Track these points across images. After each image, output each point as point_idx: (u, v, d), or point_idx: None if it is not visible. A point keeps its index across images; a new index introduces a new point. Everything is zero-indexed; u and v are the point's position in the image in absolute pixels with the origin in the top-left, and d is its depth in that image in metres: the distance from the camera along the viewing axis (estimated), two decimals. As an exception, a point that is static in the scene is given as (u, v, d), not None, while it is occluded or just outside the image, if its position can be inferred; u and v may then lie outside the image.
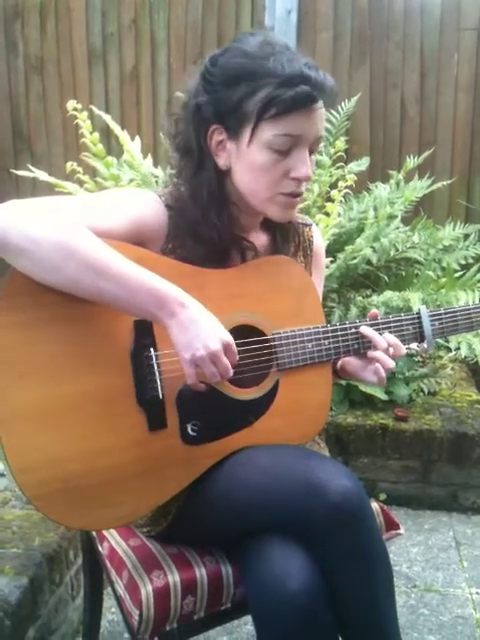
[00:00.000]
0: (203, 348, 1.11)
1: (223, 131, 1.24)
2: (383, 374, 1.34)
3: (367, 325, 1.37)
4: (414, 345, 1.43)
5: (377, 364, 1.34)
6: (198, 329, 1.12)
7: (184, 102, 1.29)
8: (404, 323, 1.39)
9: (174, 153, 1.32)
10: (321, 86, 1.20)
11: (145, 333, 1.19)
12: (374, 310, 1.42)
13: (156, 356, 1.20)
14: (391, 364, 1.33)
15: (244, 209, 1.32)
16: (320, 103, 1.21)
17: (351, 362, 1.41)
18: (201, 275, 1.26)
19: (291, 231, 1.43)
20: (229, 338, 1.15)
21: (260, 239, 1.40)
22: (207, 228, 1.27)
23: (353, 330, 1.36)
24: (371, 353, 1.35)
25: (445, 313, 1.43)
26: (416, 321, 1.41)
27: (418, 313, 1.41)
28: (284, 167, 1.23)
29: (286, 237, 1.42)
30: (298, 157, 1.23)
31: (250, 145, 1.22)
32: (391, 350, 1.35)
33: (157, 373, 1.20)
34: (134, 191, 1.34)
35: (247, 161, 1.23)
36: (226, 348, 1.14)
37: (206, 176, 1.27)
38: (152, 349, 1.20)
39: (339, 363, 1.46)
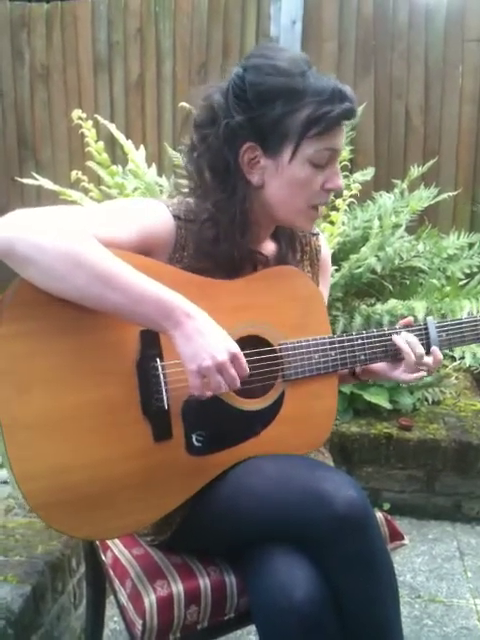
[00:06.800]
0: (210, 358, 1.11)
1: (258, 148, 1.24)
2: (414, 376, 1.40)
3: (377, 334, 1.38)
4: None
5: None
6: (205, 339, 1.11)
7: (201, 118, 1.28)
8: (415, 333, 1.39)
9: (195, 170, 1.31)
10: (354, 100, 1.24)
11: (151, 343, 1.19)
12: (409, 318, 1.44)
13: (162, 366, 1.20)
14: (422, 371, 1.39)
15: (264, 224, 1.34)
16: None
17: (378, 363, 1.42)
18: (208, 285, 1.26)
19: (297, 240, 1.44)
20: (236, 348, 1.14)
21: (268, 248, 1.40)
22: (227, 246, 1.28)
23: (359, 341, 1.36)
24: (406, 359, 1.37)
25: (452, 324, 1.43)
26: (423, 332, 1.40)
27: (425, 323, 1.41)
28: (321, 180, 1.27)
29: (293, 246, 1.42)
30: (332, 169, 1.27)
31: (292, 161, 1.24)
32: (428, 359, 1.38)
33: (163, 384, 1.20)
34: (142, 200, 1.35)
35: (286, 177, 1.25)
36: (233, 358, 1.14)
37: (238, 195, 1.27)
38: (158, 359, 1.20)
39: (358, 367, 1.45)
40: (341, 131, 1.26)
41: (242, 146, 1.24)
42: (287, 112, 1.21)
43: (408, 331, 1.39)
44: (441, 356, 1.39)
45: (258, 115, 1.22)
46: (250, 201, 1.28)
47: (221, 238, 1.28)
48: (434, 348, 1.39)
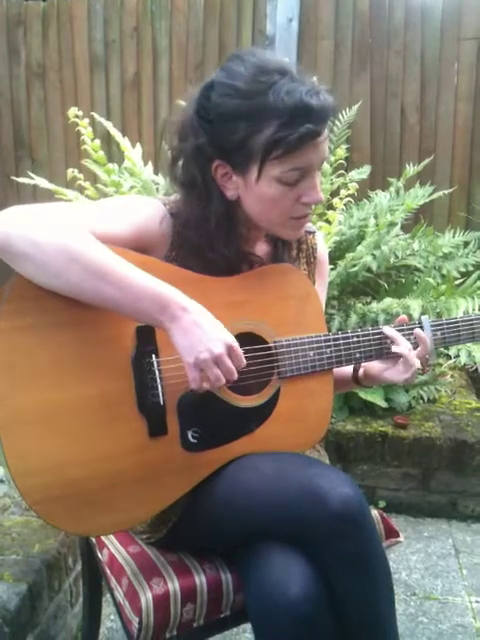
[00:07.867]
0: (207, 351, 1.11)
1: (227, 165, 1.22)
2: (408, 375, 1.36)
3: (373, 332, 1.37)
4: None
5: (401, 362, 1.37)
6: (201, 332, 1.11)
7: (180, 131, 1.26)
8: (406, 332, 1.39)
9: (175, 184, 1.30)
10: (324, 115, 1.17)
11: (147, 339, 1.19)
12: (403, 316, 1.43)
13: (158, 362, 1.20)
14: (417, 363, 1.36)
15: (253, 227, 1.32)
16: (325, 132, 1.20)
17: (374, 366, 1.42)
18: (204, 282, 1.26)
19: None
20: (233, 341, 1.14)
21: (263, 247, 1.40)
22: (213, 254, 1.27)
23: (355, 339, 1.36)
24: (397, 349, 1.36)
25: (447, 323, 1.43)
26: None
27: (420, 322, 1.41)
28: (295, 195, 1.23)
29: (289, 245, 1.42)
30: (308, 184, 1.23)
31: (259, 181, 1.21)
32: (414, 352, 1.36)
33: (159, 379, 1.20)
34: (139, 198, 1.34)
35: (256, 194, 1.23)
36: (230, 351, 1.14)
37: (213, 208, 1.25)
38: (154, 355, 1.20)
39: (361, 371, 1.46)
40: (310, 149, 1.18)
41: (212, 163, 1.22)
42: (249, 134, 1.17)
43: (403, 329, 1.39)
44: (424, 335, 1.37)
45: (221, 135, 1.19)
46: (231, 210, 1.27)
47: (206, 247, 1.27)
48: (417, 330, 1.38)
